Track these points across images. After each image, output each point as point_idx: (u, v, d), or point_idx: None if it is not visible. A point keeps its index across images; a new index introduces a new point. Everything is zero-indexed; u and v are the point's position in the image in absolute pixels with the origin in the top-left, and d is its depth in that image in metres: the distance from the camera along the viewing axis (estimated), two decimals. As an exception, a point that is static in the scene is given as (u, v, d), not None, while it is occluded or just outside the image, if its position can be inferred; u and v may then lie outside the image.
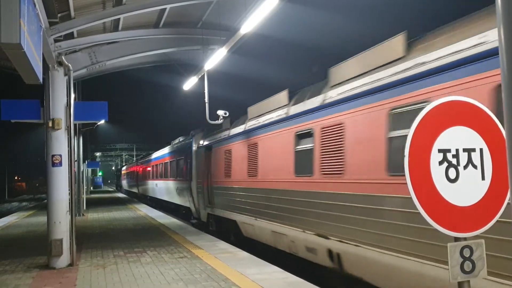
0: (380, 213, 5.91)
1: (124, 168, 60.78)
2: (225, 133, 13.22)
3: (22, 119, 8.91)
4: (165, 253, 9.55)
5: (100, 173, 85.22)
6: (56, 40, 8.53)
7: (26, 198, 64.61)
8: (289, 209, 8.68)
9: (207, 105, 13.27)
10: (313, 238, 7.72)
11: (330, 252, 7.21)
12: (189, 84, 13.32)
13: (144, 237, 12.36)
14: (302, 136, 8.43)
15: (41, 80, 5.99)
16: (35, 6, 5.58)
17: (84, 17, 8.44)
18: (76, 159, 17.13)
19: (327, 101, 7.51)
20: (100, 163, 62.56)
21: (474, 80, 4.65)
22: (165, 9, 9.07)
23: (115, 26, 9.68)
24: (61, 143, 8.50)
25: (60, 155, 8.46)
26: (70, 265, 8.47)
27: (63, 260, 8.43)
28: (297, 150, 8.54)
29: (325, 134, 7.47)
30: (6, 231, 15.13)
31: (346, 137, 6.83)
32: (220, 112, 13.60)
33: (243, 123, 11.98)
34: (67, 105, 8.59)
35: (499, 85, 4.12)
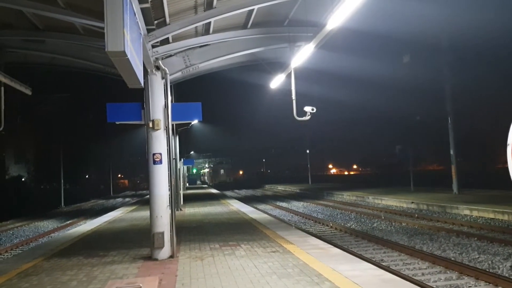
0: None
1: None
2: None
3: (125, 120, 9.53)
4: (257, 247, 9.80)
5: (194, 170, 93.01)
6: (153, 46, 9.01)
7: (129, 194, 68.13)
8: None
9: (294, 102, 13.26)
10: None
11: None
12: (276, 82, 13.44)
13: (237, 231, 12.76)
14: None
15: (142, 84, 6.44)
16: (135, 15, 6.01)
17: (178, 23, 8.88)
18: (174, 157, 18.10)
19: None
20: (194, 161, 71.68)
21: None
22: (253, 9, 9.26)
23: (206, 30, 10.06)
24: (161, 142, 8.96)
25: (160, 154, 8.93)
26: (171, 256, 8.95)
27: (165, 252, 8.89)
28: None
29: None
30: (113, 225, 16.44)
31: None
32: (307, 108, 13.47)
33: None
34: (165, 107, 9.03)
35: None
